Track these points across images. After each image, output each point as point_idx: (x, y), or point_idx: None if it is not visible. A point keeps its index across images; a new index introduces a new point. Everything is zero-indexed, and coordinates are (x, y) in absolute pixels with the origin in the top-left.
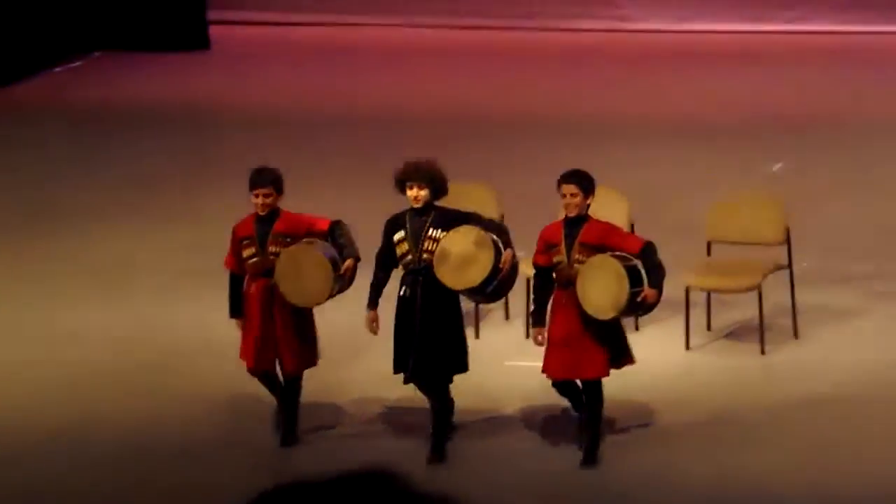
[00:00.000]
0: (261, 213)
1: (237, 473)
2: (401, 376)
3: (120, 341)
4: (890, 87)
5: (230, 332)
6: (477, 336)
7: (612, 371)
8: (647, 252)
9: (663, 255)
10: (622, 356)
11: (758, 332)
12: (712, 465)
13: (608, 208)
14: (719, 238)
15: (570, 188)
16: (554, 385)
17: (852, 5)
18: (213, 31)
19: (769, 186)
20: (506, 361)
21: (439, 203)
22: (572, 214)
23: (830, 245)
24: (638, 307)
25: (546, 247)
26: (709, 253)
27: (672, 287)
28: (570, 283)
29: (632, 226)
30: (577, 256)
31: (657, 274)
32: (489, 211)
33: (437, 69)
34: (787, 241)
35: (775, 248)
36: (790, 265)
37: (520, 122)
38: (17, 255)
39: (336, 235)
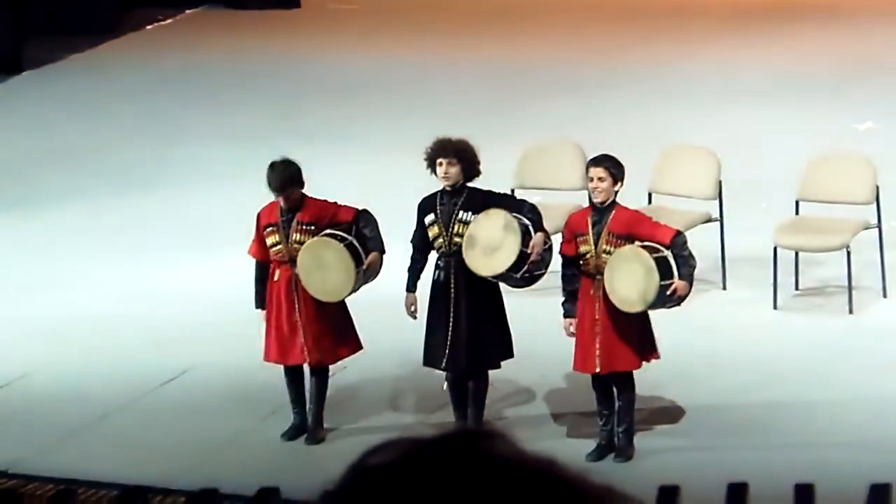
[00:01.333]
0: (286, 208)
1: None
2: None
3: (217, 296)
4: None
5: None
6: None
7: (698, 333)
8: (678, 243)
9: (752, 214)
10: (648, 350)
11: (846, 292)
12: (800, 424)
13: (698, 166)
14: (808, 197)
15: (598, 171)
16: (597, 381)
17: None
18: None
19: (859, 145)
20: None
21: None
22: (599, 200)
23: None
24: (667, 300)
25: (573, 235)
26: (797, 211)
27: (761, 245)
28: (598, 272)
29: (720, 183)
30: (604, 246)
31: (688, 265)
32: (576, 168)
33: (527, 25)
34: (877, 200)
35: (864, 208)
36: (879, 224)
37: (608, 77)
38: (110, 213)
39: (361, 226)
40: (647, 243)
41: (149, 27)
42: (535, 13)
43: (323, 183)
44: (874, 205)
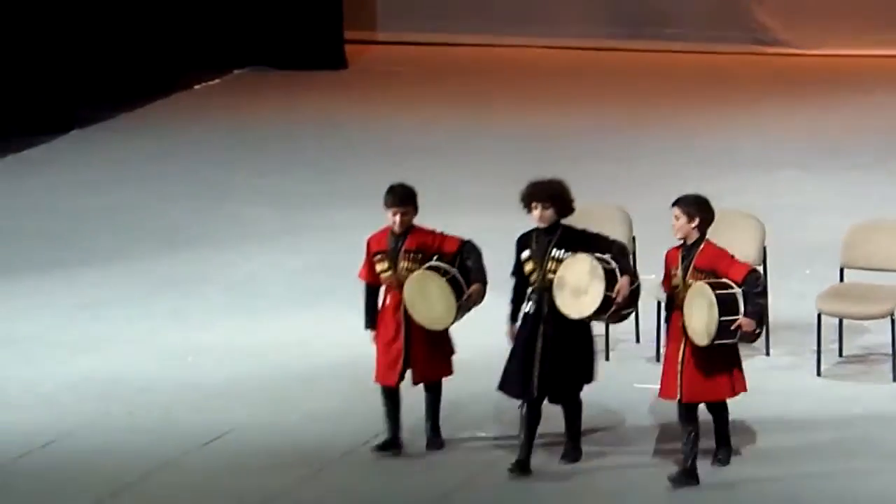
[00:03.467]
0: (397, 232)
1: (385, 478)
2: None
3: (260, 356)
4: None
5: (353, 350)
6: (607, 358)
7: (742, 396)
8: (749, 281)
9: (796, 281)
10: (738, 381)
11: (890, 360)
12: (843, 493)
13: (742, 232)
14: (852, 264)
15: (674, 211)
16: (679, 407)
17: None
18: (350, 50)
19: None
20: (635, 384)
21: (567, 222)
22: (677, 237)
23: None
24: (733, 335)
25: (668, 271)
26: (842, 278)
27: (805, 312)
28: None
29: (764, 249)
30: (691, 281)
31: (756, 304)
32: (621, 232)
33: (571, 90)
34: None
35: None
36: None
37: (651, 142)
38: (156, 271)
39: (465, 257)
40: (718, 280)
41: (196, 87)
42: (579, 78)
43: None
44: None
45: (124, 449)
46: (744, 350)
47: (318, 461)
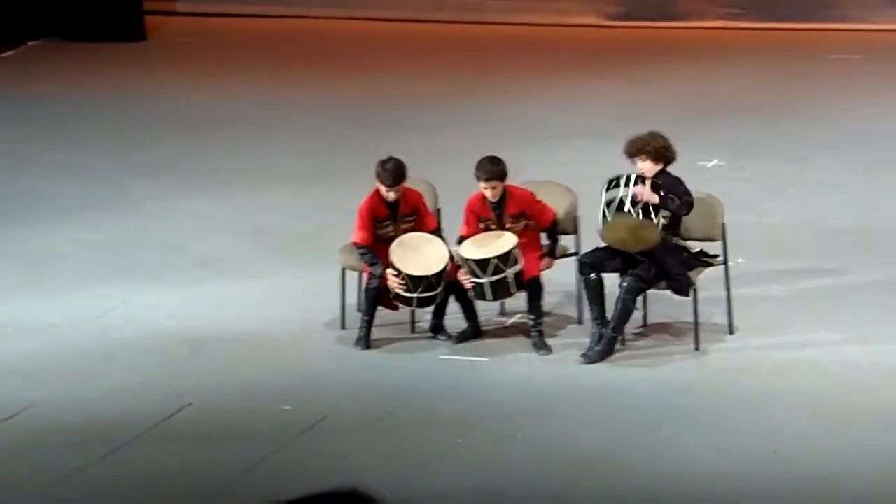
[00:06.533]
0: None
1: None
2: None
3: (52, 332)
4: (825, 82)
5: (152, 326)
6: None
7: (549, 365)
8: (554, 225)
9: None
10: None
11: (692, 329)
12: (646, 461)
13: (556, 202)
14: None
15: (489, 185)
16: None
17: (788, 3)
18: (149, 21)
19: (705, 182)
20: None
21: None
22: (494, 200)
23: (765, 242)
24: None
25: (475, 217)
26: None
27: (609, 280)
28: None
29: (575, 219)
30: (509, 225)
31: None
32: (428, 203)
33: (378, 61)
34: (723, 237)
35: (710, 244)
36: (725, 262)
37: (455, 114)
38: None
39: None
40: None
41: None
42: (385, 51)
43: (169, 217)
44: (721, 242)
45: None
46: (553, 319)
47: (118, 438)
